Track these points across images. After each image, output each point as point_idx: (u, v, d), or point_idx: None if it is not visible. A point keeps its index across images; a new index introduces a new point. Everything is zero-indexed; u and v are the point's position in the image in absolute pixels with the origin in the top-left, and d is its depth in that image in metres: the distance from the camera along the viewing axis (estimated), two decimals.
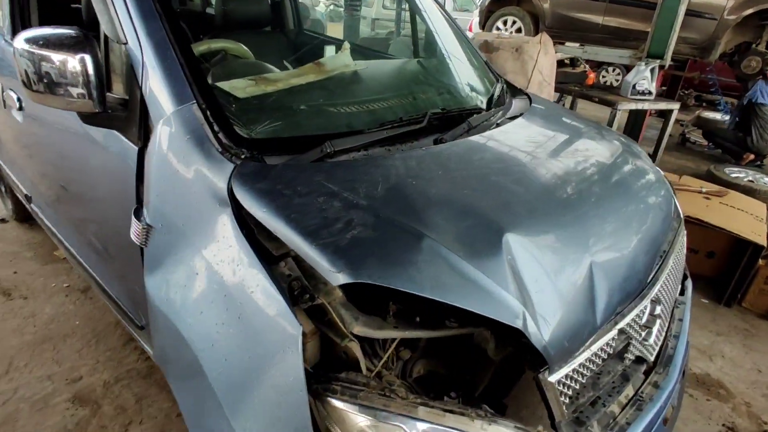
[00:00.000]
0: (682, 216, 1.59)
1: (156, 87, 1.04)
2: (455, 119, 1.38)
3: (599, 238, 1.10)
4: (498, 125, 1.48)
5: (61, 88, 1.04)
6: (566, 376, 0.92)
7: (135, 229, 1.06)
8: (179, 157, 1.00)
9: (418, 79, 1.80)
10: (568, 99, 4.96)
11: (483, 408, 0.89)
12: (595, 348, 0.99)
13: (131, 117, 1.10)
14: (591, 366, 1.00)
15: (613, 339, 1.04)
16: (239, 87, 1.22)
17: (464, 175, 1.10)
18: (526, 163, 1.26)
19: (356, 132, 1.17)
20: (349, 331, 0.85)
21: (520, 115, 1.61)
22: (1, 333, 1.97)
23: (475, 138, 1.33)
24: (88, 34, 1.05)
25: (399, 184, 1.01)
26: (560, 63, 5.32)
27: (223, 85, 1.21)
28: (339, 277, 0.77)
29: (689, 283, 1.57)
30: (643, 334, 1.17)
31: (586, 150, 1.46)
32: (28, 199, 2.08)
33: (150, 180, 1.06)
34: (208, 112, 1.02)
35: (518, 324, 0.81)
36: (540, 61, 3.22)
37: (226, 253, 0.90)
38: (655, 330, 1.22)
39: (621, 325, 1.06)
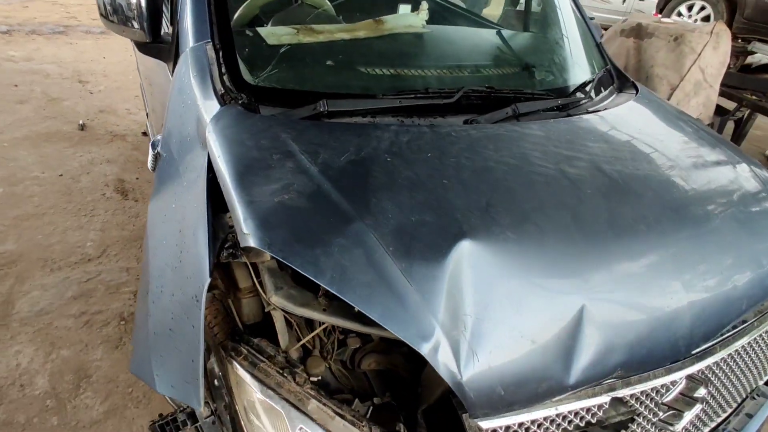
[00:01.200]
0: None
1: (185, 23, 1.08)
2: (504, 101, 1.19)
3: (613, 276, 0.86)
4: (555, 117, 1.24)
5: (126, 19, 1.15)
6: (508, 428, 0.76)
7: (150, 156, 1.14)
8: (185, 93, 1.03)
9: (490, 51, 1.59)
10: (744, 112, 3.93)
11: (397, 425, 0.79)
12: (564, 410, 0.79)
13: (171, 49, 1.17)
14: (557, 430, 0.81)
15: (600, 407, 0.82)
16: (276, 34, 1.21)
17: (462, 165, 0.93)
18: (549, 167, 1.02)
19: (366, 96, 1.07)
20: (267, 298, 0.80)
21: (590, 110, 1.33)
22: (109, 224, 2.37)
23: (514, 126, 1.13)
24: None
25: (369, 158, 0.90)
26: (751, 67, 4.27)
27: (261, 30, 1.20)
28: (246, 239, 0.72)
29: None
30: (663, 415, 0.91)
31: (658, 162, 1.15)
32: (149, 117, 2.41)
33: (167, 111, 1.12)
34: (221, 53, 1.03)
35: (423, 348, 0.67)
36: (705, 57, 2.61)
37: (191, 193, 0.91)
38: (688, 416, 0.94)
39: (621, 393, 0.83)
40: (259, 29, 1.22)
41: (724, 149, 1.34)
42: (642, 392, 0.85)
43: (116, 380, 1.61)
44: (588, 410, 0.82)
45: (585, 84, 1.45)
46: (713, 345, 0.94)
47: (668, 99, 2.62)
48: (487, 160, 0.96)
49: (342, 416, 0.74)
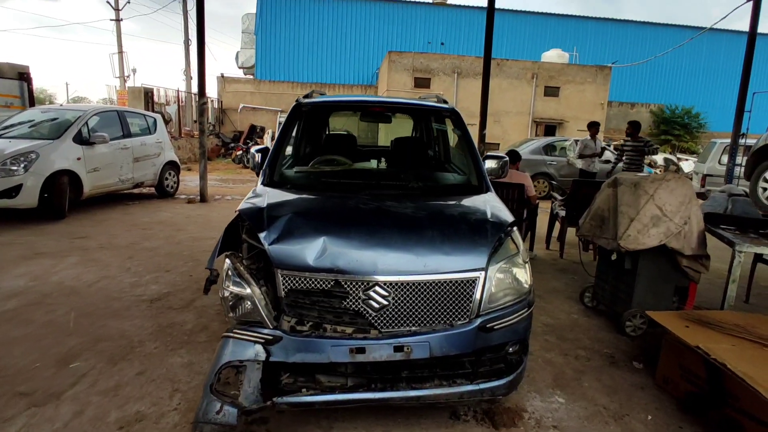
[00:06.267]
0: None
1: (261, 170, 2.96)
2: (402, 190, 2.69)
3: (366, 238, 2.15)
4: (410, 197, 2.60)
5: (254, 167, 3.11)
6: (295, 276, 2.08)
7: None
8: (257, 185, 2.83)
9: (412, 173, 3.06)
10: None
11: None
12: (317, 276, 2.06)
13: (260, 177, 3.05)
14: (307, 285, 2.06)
15: (329, 282, 2.05)
16: (318, 165, 3.02)
17: (369, 211, 2.38)
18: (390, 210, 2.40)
19: (343, 186, 2.72)
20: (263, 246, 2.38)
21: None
22: None
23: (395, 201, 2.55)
24: (265, 149, 3.10)
25: (331, 203, 2.48)
26: None
27: (314, 165, 3.04)
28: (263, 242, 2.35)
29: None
30: (363, 297, 2.03)
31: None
32: None
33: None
34: (269, 171, 2.84)
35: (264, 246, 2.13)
36: (660, 197, 3.30)
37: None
38: (379, 300, 2.03)
39: (341, 278, 2.04)
40: (310, 166, 3.06)
41: (475, 207, 2.55)
42: (350, 281, 2.03)
43: None
44: (325, 282, 2.05)
45: (449, 186, 2.77)
46: (395, 276, 2.04)
47: (627, 228, 3.34)
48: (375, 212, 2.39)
49: (242, 269, 2.17)
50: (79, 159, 6.87)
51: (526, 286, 2.25)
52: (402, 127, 6.20)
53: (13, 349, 2.90)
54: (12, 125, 7.15)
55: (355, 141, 4.28)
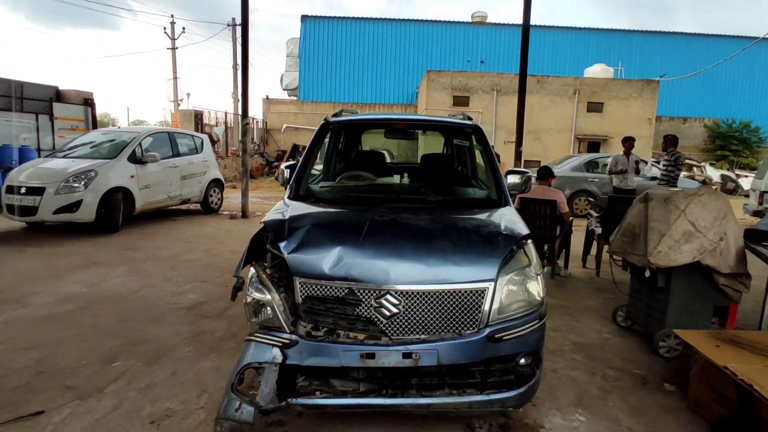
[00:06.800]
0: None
1: (289, 184, 3.12)
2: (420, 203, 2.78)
3: (379, 248, 2.23)
4: (427, 211, 2.67)
5: (284, 182, 3.29)
6: (311, 284, 2.18)
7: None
8: (285, 199, 2.99)
9: (432, 188, 3.13)
10: None
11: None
12: (334, 284, 2.15)
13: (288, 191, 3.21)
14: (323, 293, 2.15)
15: (344, 290, 2.14)
16: (343, 180, 3.16)
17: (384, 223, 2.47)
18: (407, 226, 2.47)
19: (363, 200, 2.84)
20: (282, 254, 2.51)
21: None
22: None
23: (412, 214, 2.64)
24: (294, 165, 3.28)
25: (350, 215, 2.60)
26: None
27: (340, 180, 3.18)
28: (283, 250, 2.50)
29: None
30: (375, 305, 2.09)
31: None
32: None
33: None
34: (295, 185, 2.99)
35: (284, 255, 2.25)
36: (693, 212, 3.19)
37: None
38: (391, 308, 2.09)
39: (354, 286, 2.12)
40: (340, 180, 3.21)
41: (489, 220, 2.59)
42: (363, 290, 2.11)
43: None
44: (339, 289, 2.14)
45: (468, 200, 2.83)
46: (406, 285, 2.10)
47: (658, 244, 3.24)
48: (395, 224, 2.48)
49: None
50: (132, 177, 7.41)
51: (538, 298, 2.24)
52: (438, 144, 6.30)
53: (63, 348, 3.17)
54: (75, 146, 7.82)
55: (383, 158, 4.42)
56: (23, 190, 6.51)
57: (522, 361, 2.21)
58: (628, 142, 7.82)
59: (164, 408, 2.47)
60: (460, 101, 19.32)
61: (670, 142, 7.51)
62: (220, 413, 2.08)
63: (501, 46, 26.69)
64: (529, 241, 2.43)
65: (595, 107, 19.30)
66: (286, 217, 2.53)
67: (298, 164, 3.25)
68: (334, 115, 3.76)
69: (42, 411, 2.39)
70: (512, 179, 3.22)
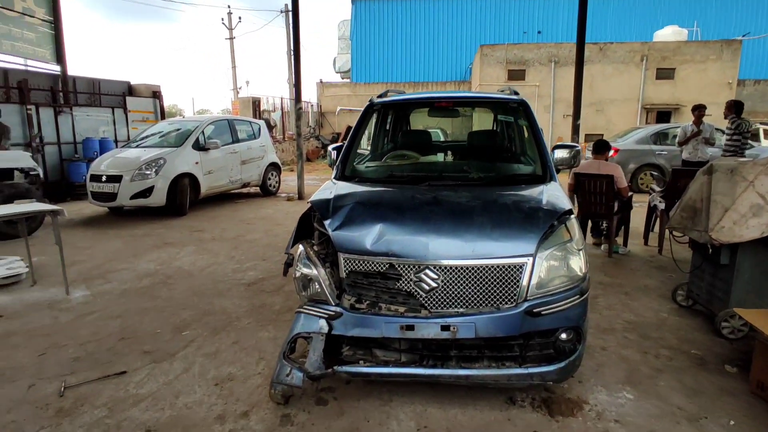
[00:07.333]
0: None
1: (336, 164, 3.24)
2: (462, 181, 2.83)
3: (420, 225, 2.29)
4: (468, 188, 2.69)
5: (332, 164, 3.43)
6: (354, 259, 2.30)
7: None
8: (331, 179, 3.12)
9: (475, 165, 3.14)
10: None
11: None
12: (374, 259, 2.26)
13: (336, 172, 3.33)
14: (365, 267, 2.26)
15: (384, 265, 2.23)
16: (389, 159, 3.25)
17: (425, 201, 2.53)
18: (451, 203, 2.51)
19: (406, 178, 2.91)
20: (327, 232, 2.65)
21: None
22: None
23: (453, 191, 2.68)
24: (340, 146, 3.39)
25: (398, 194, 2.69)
26: None
27: (386, 159, 3.28)
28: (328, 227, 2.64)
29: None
30: (415, 279, 2.17)
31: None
32: None
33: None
34: (341, 166, 3.11)
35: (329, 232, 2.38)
36: (763, 184, 2.96)
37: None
38: (430, 282, 2.16)
39: (394, 261, 2.21)
40: (386, 159, 3.31)
41: (531, 195, 2.57)
42: (403, 264, 2.20)
43: None
44: (380, 264, 2.24)
45: (512, 177, 2.82)
46: (445, 260, 2.15)
47: (721, 219, 3.04)
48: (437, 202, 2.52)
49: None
50: (197, 163, 7.92)
51: (580, 273, 2.22)
52: (490, 121, 6.21)
53: (143, 317, 3.55)
54: (146, 136, 8.46)
55: (429, 136, 4.42)
56: (104, 179, 7.18)
57: (563, 336, 2.21)
58: (699, 110, 7.21)
59: (227, 372, 2.73)
60: (516, 75, 18.61)
61: (729, 108, 6.83)
62: (274, 378, 2.28)
63: (559, 15, 25.18)
64: (572, 216, 2.39)
65: (665, 74, 17.86)
66: (331, 196, 2.65)
67: (344, 146, 3.37)
68: (379, 97, 3.82)
69: (125, 371, 2.73)
70: (560, 154, 3.14)
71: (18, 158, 6.59)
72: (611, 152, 10.59)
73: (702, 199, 3.34)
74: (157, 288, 4.24)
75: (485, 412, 2.34)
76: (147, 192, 7.18)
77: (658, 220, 5.70)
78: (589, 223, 5.80)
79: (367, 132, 4.40)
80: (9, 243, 5.71)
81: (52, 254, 4.13)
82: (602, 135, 16.78)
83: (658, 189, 5.71)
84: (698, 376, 2.73)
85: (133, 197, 7.15)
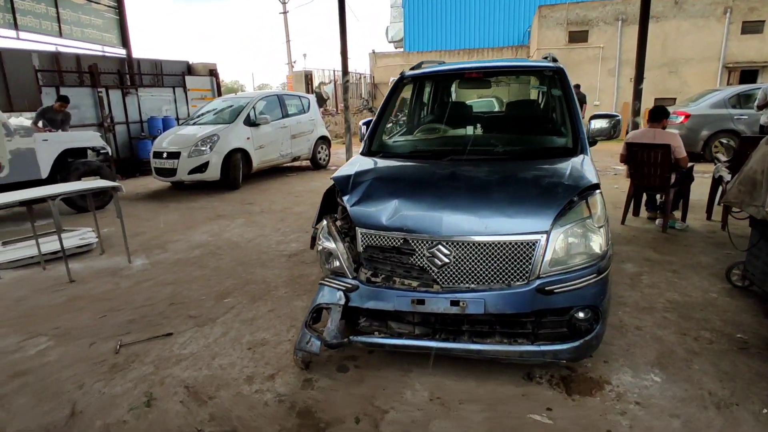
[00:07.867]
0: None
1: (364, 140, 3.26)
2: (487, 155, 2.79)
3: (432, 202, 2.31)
4: (491, 162, 2.64)
5: (361, 137, 3.47)
6: (371, 234, 2.36)
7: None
8: (358, 154, 3.17)
9: (503, 138, 3.03)
10: None
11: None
12: (388, 234, 2.31)
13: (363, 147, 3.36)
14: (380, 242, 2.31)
15: (398, 240, 2.27)
16: (418, 133, 3.26)
17: (443, 176, 2.54)
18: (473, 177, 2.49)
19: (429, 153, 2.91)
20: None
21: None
22: None
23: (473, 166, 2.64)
24: (369, 121, 3.42)
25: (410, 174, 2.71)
26: None
27: (417, 133, 3.29)
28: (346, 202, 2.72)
29: None
30: (428, 254, 2.20)
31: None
32: None
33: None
34: (368, 141, 3.14)
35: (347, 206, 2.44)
36: None
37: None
38: (442, 258, 2.18)
39: (408, 236, 2.24)
40: (415, 133, 3.31)
41: (554, 169, 2.48)
42: (417, 240, 2.23)
43: None
44: (395, 239, 2.28)
45: (540, 150, 2.73)
46: (457, 236, 2.15)
47: None
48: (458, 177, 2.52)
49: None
50: (248, 139, 8.26)
51: (599, 251, 2.14)
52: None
53: (191, 285, 3.86)
54: (202, 114, 8.91)
55: (464, 108, 4.32)
56: (165, 155, 7.70)
57: (581, 315, 2.17)
58: None
59: (260, 338, 2.94)
60: (577, 37, 17.39)
61: None
62: (296, 344, 2.43)
63: None
64: (597, 191, 2.29)
65: (753, 27, 15.89)
66: (352, 172, 2.71)
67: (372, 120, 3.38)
68: (412, 69, 3.77)
69: (171, 333, 3.02)
70: (598, 124, 2.98)
71: (90, 138, 7.21)
72: (681, 119, 9.79)
73: (763, 171, 3.04)
74: (206, 258, 4.57)
75: (501, 386, 2.37)
76: (203, 167, 7.62)
77: (722, 192, 5.25)
78: (644, 196, 5.46)
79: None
80: (85, 215, 6.34)
81: (120, 226, 4.56)
82: (675, 100, 15.41)
83: (723, 159, 5.23)
84: (737, 361, 2.56)
85: (191, 172, 7.62)
